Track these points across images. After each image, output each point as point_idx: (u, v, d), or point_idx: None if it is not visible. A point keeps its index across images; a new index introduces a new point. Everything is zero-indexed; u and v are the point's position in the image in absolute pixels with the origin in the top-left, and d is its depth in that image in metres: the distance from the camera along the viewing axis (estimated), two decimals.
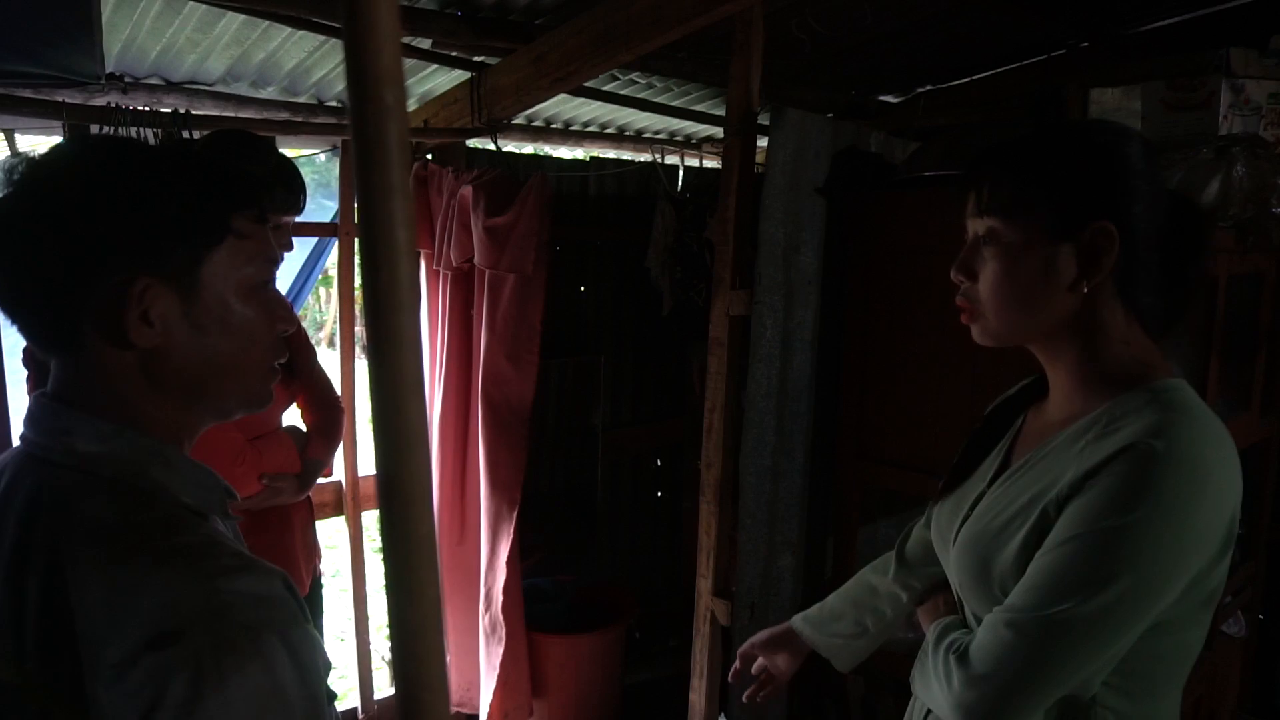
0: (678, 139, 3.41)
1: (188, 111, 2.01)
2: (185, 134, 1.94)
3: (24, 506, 0.67)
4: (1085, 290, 0.88)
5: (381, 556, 0.37)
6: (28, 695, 0.62)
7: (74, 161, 0.70)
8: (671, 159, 3.29)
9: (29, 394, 1.82)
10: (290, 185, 1.63)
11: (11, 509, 0.67)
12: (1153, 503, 0.79)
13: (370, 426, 0.37)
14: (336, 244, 2.69)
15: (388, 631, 0.40)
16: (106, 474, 0.68)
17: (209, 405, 0.76)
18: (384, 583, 0.37)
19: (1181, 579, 0.81)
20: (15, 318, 0.70)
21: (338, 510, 2.72)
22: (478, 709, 2.69)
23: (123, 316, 0.67)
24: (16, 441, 0.73)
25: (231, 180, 0.73)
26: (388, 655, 2.48)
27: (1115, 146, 0.88)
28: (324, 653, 0.76)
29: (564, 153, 3.59)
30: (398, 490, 0.37)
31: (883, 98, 3.13)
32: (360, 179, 0.35)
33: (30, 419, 0.71)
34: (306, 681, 0.65)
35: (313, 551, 1.86)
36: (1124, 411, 0.86)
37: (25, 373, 1.83)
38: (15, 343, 1.91)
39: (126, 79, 2.16)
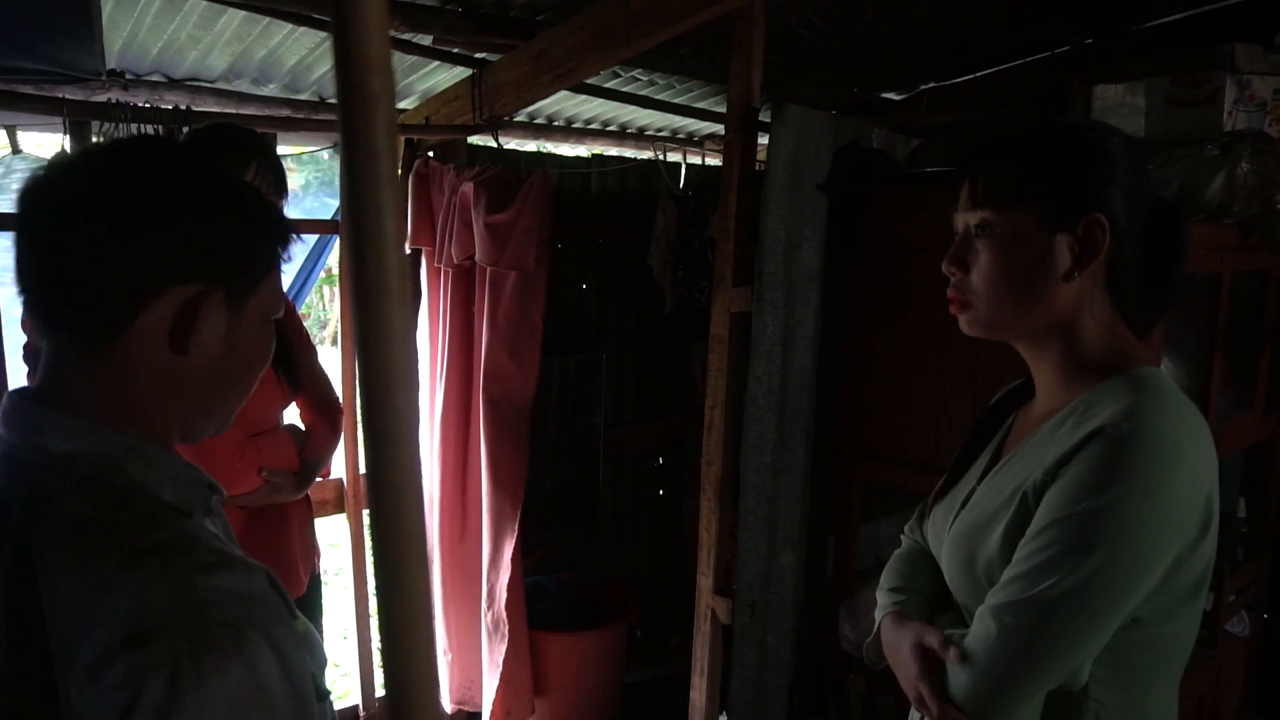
0: (679, 136, 3.40)
1: (189, 108, 2.01)
2: (184, 130, 1.94)
3: None
4: (1077, 280, 0.90)
5: (372, 552, 0.36)
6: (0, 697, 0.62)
7: (184, 162, 0.72)
8: (673, 156, 3.28)
9: None
10: (275, 172, 1.62)
11: None
12: (1124, 483, 0.80)
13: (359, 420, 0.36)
14: (338, 241, 2.69)
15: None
16: (80, 472, 0.67)
17: (210, 418, 0.77)
18: (373, 578, 0.37)
19: (1161, 559, 0.82)
20: (62, 300, 0.68)
21: (339, 508, 2.72)
22: (480, 707, 2.69)
23: (192, 324, 0.69)
24: None
25: (280, 213, 0.78)
26: None
27: (1103, 143, 0.91)
28: (319, 649, 0.75)
29: (566, 150, 3.59)
30: (386, 484, 0.36)
31: (886, 95, 3.12)
32: (347, 167, 0.35)
33: (3, 417, 0.70)
34: (293, 680, 0.64)
35: (311, 550, 1.86)
36: (1100, 398, 0.88)
37: (26, 370, 1.83)
38: (16, 340, 1.91)
39: (128, 75, 2.16)
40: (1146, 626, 0.85)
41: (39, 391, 0.70)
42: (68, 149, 1.93)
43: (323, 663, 0.75)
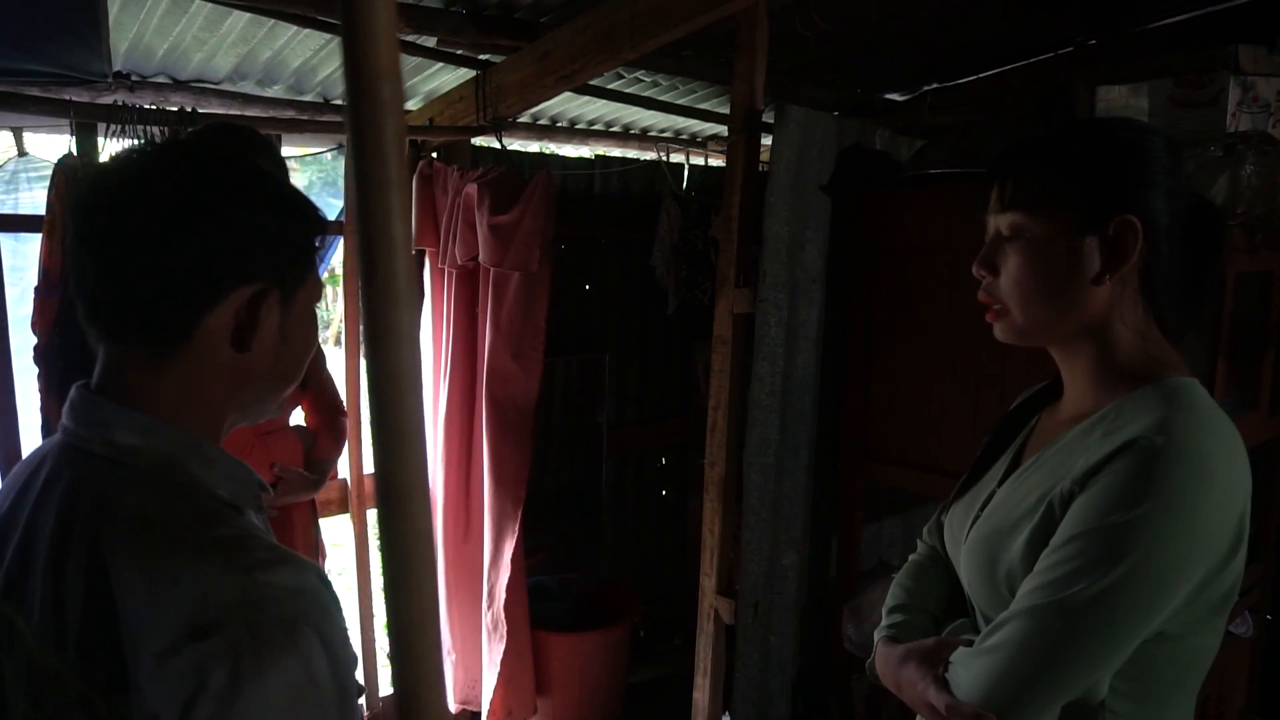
0: (683, 137, 3.40)
1: (194, 110, 2.02)
2: (189, 131, 1.95)
3: (63, 496, 0.68)
4: (1108, 283, 0.88)
5: (379, 552, 0.37)
6: (69, 683, 0.64)
7: (230, 164, 0.73)
8: (677, 157, 3.28)
9: (40, 391, 1.83)
10: (279, 169, 1.61)
11: (51, 499, 0.69)
12: (1156, 498, 0.78)
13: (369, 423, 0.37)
14: (342, 242, 2.70)
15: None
16: (144, 466, 0.69)
17: (266, 406, 0.80)
18: (381, 579, 0.37)
19: (1190, 575, 0.80)
20: (126, 310, 0.69)
21: (343, 508, 2.73)
22: (482, 707, 2.69)
23: (254, 322, 0.72)
24: (23, 435, 0.74)
25: (315, 205, 0.79)
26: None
27: (1140, 142, 0.88)
28: (351, 647, 0.76)
29: (569, 151, 3.59)
30: (394, 486, 0.37)
31: (889, 96, 3.12)
32: (357, 173, 0.35)
33: (71, 409, 0.72)
34: (339, 675, 0.67)
35: (315, 551, 1.87)
36: (1132, 407, 0.86)
37: (36, 370, 1.84)
38: (23, 341, 1.92)
39: (134, 77, 2.16)
40: (1171, 640, 0.84)
41: (102, 386, 0.72)
42: (74, 151, 1.94)
43: (353, 660, 0.76)
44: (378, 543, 0.37)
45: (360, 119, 0.35)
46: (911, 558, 1.16)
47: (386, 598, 0.37)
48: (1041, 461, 0.93)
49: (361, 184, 0.35)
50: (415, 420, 0.37)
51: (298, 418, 1.87)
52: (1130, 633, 0.80)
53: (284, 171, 1.66)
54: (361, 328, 0.36)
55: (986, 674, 0.84)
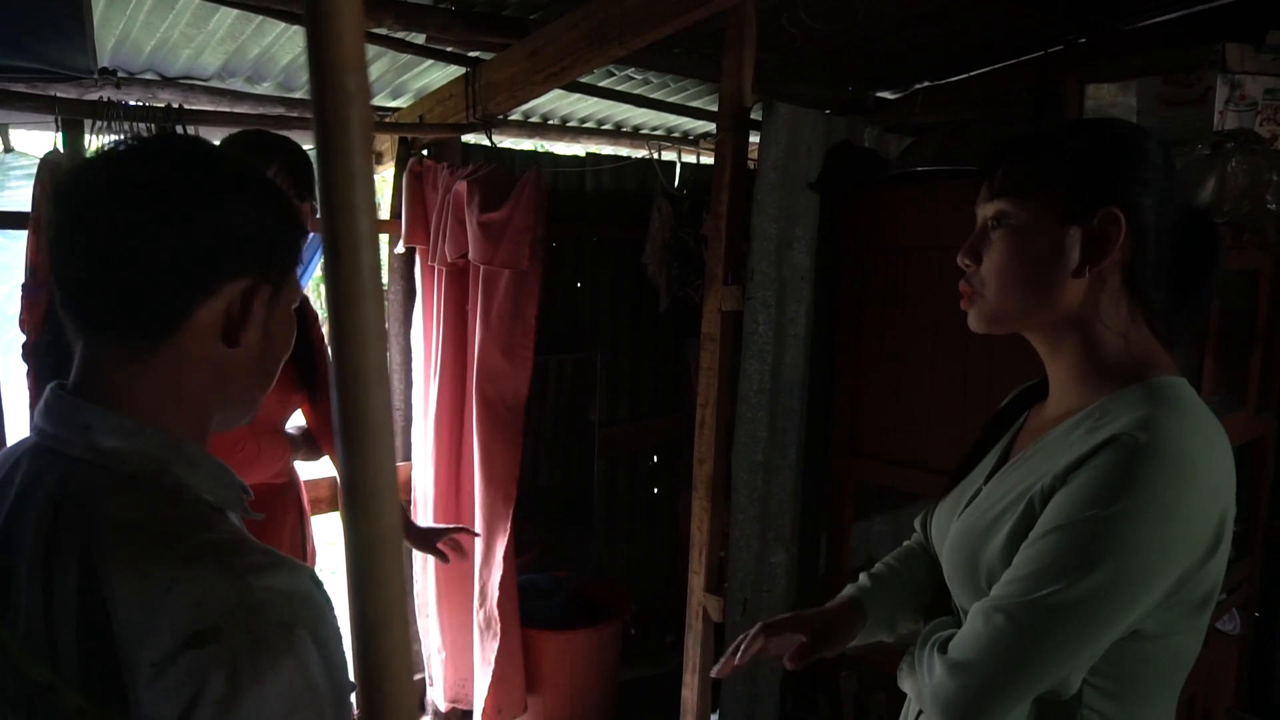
0: (674, 135, 3.40)
1: (181, 106, 2.01)
2: (179, 129, 1.94)
3: (45, 502, 0.66)
4: (1088, 276, 0.88)
5: (345, 549, 0.36)
6: (63, 695, 0.62)
7: (219, 158, 0.72)
8: (668, 155, 3.28)
9: (30, 389, 1.82)
10: (295, 172, 1.55)
11: (31, 504, 0.66)
12: (1136, 494, 0.78)
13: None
14: None
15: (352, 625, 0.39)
16: (128, 471, 0.67)
17: (246, 408, 0.79)
18: (347, 576, 0.37)
19: (1167, 574, 0.80)
20: (114, 301, 0.68)
21: (333, 506, 2.72)
22: (472, 705, 2.69)
23: (246, 317, 0.72)
24: (10, 435, 0.72)
25: (295, 205, 0.79)
26: None
27: (1130, 139, 0.89)
28: (343, 647, 0.76)
29: (561, 149, 3.58)
30: (361, 482, 0.37)
31: (880, 94, 3.13)
32: (321, 166, 0.35)
33: (46, 411, 0.70)
34: (333, 676, 0.66)
35: (304, 553, 1.85)
36: (1117, 405, 0.86)
37: (25, 368, 1.82)
38: (12, 339, 1.91)
39: (120, 74, 2.15)
40: (1150, 640, 0.83)
41: (79, 386, 0.70)
42: (60, 148, 1.93)
43: (345, 660, 0.76)
44: (344, 539, 0.37)
45: (325, 112, 0.35)
46: (905, 543, 1.18)
47: (351, 594, 0.37)
48: (1026, 458, 0.94)
49: (326, 178, 0.35)
50: (381, 415, 0.37)
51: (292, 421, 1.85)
52: (1100, 632, 0.80)
53: (301, 173, 1.57)
54: (328, 323, 0.35)
55: (954, 671, 0.85)
